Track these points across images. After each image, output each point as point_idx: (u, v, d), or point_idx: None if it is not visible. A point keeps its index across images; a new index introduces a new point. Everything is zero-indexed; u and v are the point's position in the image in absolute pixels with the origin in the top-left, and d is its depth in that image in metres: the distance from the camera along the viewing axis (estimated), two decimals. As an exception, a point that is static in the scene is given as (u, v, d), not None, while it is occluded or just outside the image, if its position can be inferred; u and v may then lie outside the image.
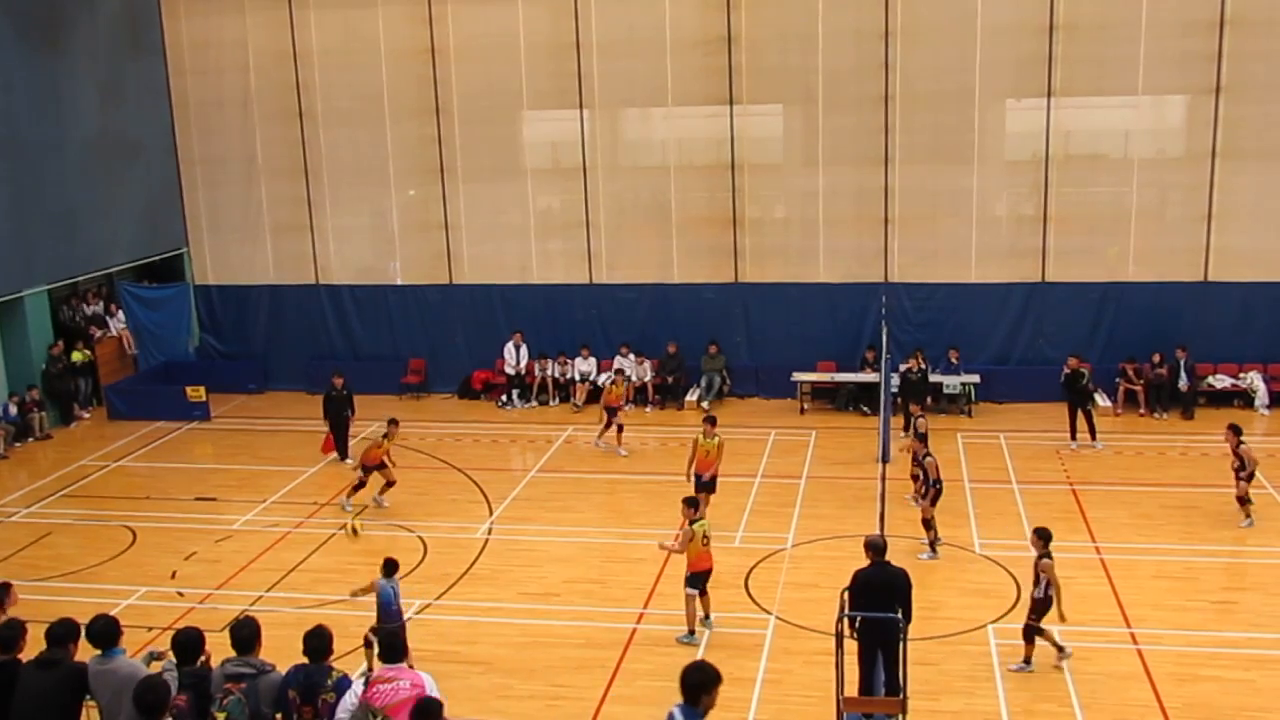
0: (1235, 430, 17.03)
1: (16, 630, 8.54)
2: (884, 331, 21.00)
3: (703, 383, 24.04)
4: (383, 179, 25.47)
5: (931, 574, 15.23)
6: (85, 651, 8.42)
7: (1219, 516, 17.07)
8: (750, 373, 24.48)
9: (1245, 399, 22.46)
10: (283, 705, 8.05)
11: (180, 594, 15.43)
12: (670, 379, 24.17)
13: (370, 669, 10.64)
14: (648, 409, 23.84)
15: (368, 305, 25.94)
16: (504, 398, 24.63)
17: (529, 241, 25.18)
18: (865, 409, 22.91)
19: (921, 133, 23.13)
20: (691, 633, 13.60)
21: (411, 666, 8.59)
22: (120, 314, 26.01)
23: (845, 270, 24.00)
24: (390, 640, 8.53)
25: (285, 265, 26.15)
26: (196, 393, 24.14)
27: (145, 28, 25.78)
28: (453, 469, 20.41)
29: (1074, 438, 20.46)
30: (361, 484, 18.31)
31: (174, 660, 8.22)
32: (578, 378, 24.42)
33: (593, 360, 24.54)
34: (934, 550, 15.89)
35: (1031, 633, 12.69)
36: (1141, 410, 22.43)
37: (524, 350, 24.68)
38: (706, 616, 13.90)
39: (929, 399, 21.57)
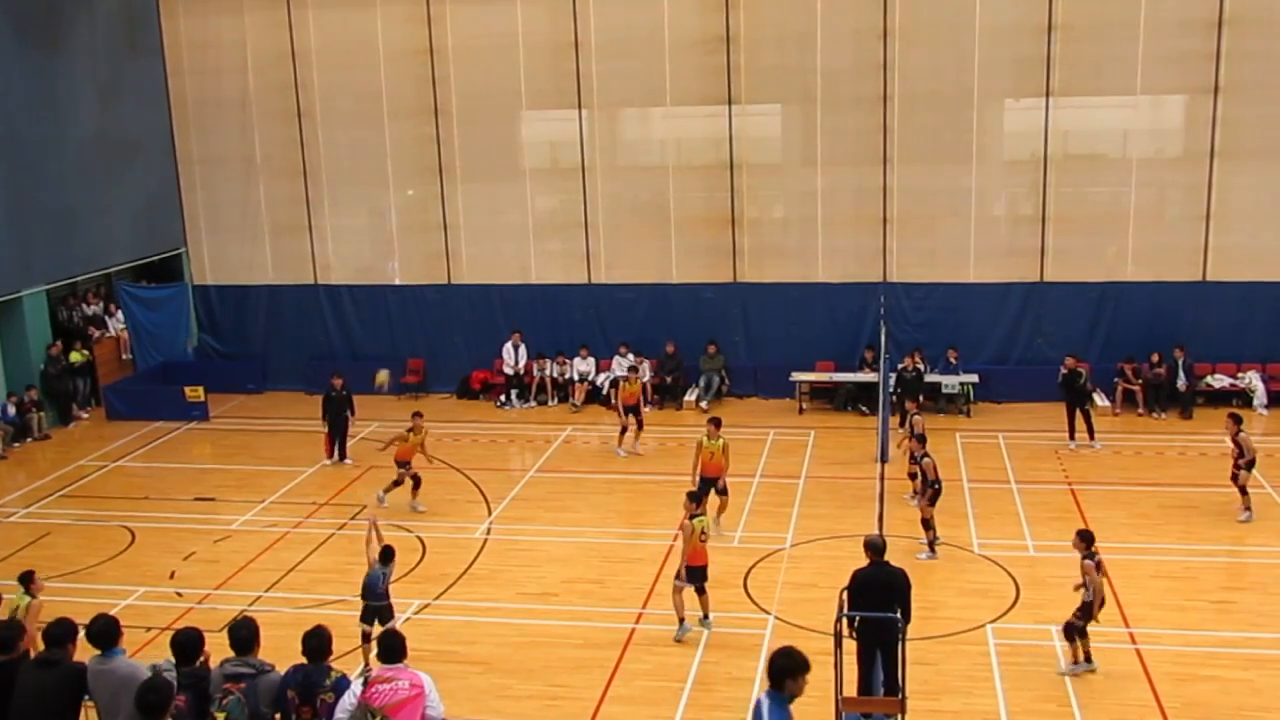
0: (1235, 419, 17.09)
1: (15, 631, 8.54)
2: (883, 331, 21.01)
3: (701, 383, 24.04)
4: (381, 179, 25.48)
5: (930, 574, 15.23)
6: (83, 651, 8.43)
7: (1217, 516, 17.09)
8: (749, 372, 24.49)
9: (1244, 399, 22.46)
10: (282, 705, 8.05)
11: (179, 594, 15.43)
12: (669, 379, 24.17)
13: (368, 666, 10.65)
14: (646, 409, 23.80)
15: (366, 305, 25.93)
16: (502, 398, 24.63)
17: (528, 241, 25.18)
18: (864, 409, 22.92)
19: (920, 133, 23.13)
20: (682, 621, 13.64)
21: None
22: (119, 314, 26.00)
23: (844, 270, 24.00)
24: (389, 640, 8.52)
25: (284, 265, 26.15)
26: (195, 393, 24.14)
27: (143, 27, 25.78)
28: (451, 469, 20.39)
29: (1072, 437, 20.46)
30: (399, 481, 18.22)
31: (173, 660, 8.21)
32: (576, 378, 24.42)
33: (591, 360, 24.55)
34: (933, 550, 15.89)
35: (1072, 631, 12.58)
36: (1140, 410, 22.44)
37: (523, 350, 24.69)
38: (705, 616, 13.91)
39: (921, 397, 21.43)
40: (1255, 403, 22.31)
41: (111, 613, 8.99)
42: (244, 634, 8.14)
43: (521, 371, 24.65)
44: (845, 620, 10.83)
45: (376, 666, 8.45)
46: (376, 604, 12.97)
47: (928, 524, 15.95)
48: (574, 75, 23.99)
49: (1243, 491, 16.89)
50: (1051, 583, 14.98)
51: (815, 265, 24.10)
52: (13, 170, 22.70)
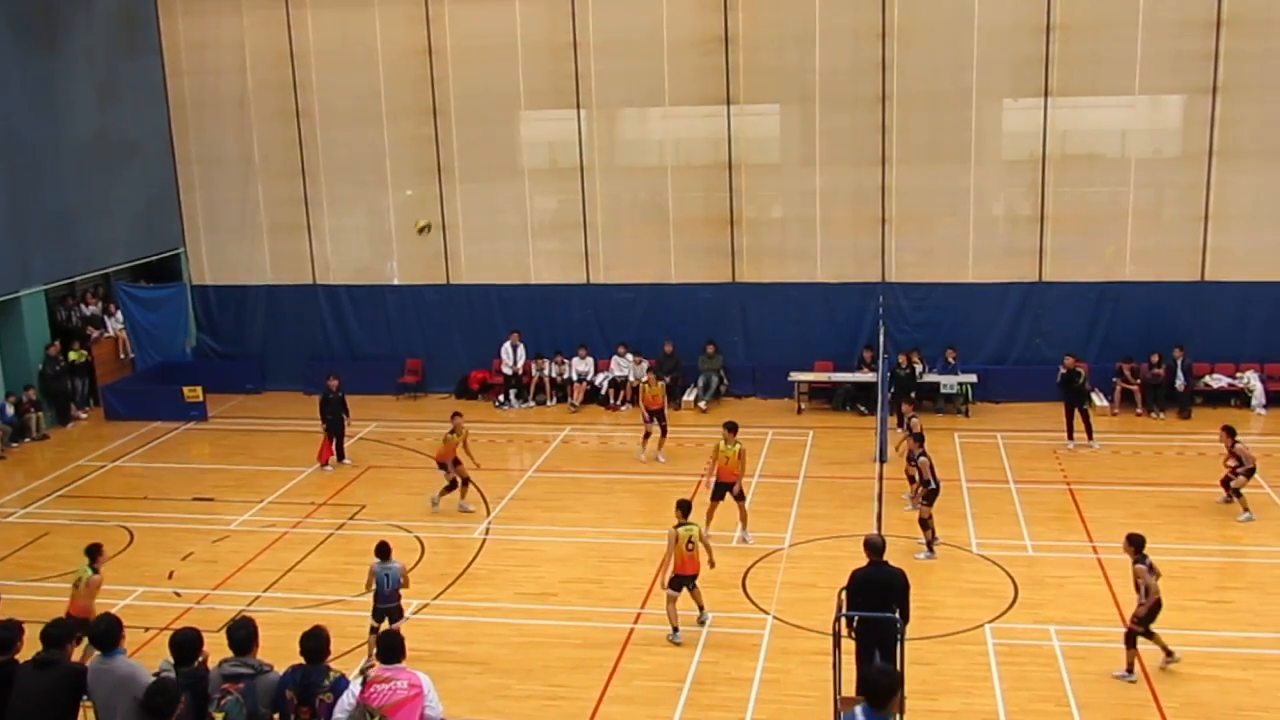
0: (1230, 432, 17.15)
1: (13, 631, 8.52)
2: (881, 331, 21.01)
3: (700, 383, 24.04)
4: (380, 179, 25.47)
5: (929, 574, 15.24)
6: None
7: (1215, 516, 17.11)
8: (747, 372, 24.49)
9: (1242, 398, 22.48)
10: (280, 705, 8.05)
11: (177, 594, 15.43)
12: (667, 379, 24.12)
13: (371, 661, 10.65)
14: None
15: (365, 305, 25.93)
16: (501, 398, 24.62)
17: (526, 241, 25.17)
18: (862, 409, 22.92)
19: (918, 132, 23.15)
20: (675, 630, 13.65)
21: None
22: (118, 314, 25.99)
23: (842, 270, 24.00)
24: (388, 640, 8.52)
25: (282, 265, 26.15)
26: (194, 393, 24.13)
27: (142, 28, 25.77)
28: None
29: (1071, 437, 20.46)
30: (452, 485, 18.07)
31: (172, 660, 8.21)
32: (575, 378, 24.42)
33: (590, 360, 24.55)
34: (931, 550, 15.89)
35: (1134, 637, 12.55)
36: (1138, 410, 22.44)
37: (521, 350, 24.68)
38: (701, 609, 13.97)
39: (913, 394, 21.48)
40: (1254, 402, 22.31)
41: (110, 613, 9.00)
42: (242, 634, 8.14)
43: (520, 371, 24.64)
44: (844, 620, 10.82)
45: (376, 666, 8.44)
46: (384, 605, 12.96)
47: (925, 524, 15.95)
48: (573, 75, 23.99)
49: (1237, 494, 16.96)
50: (1050, 582, 15.02)
51: (814, 265, 24.11)
52: (11, 171, 22.69)
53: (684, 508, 13.84)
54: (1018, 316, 23.59)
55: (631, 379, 24.06)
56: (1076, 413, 20.46)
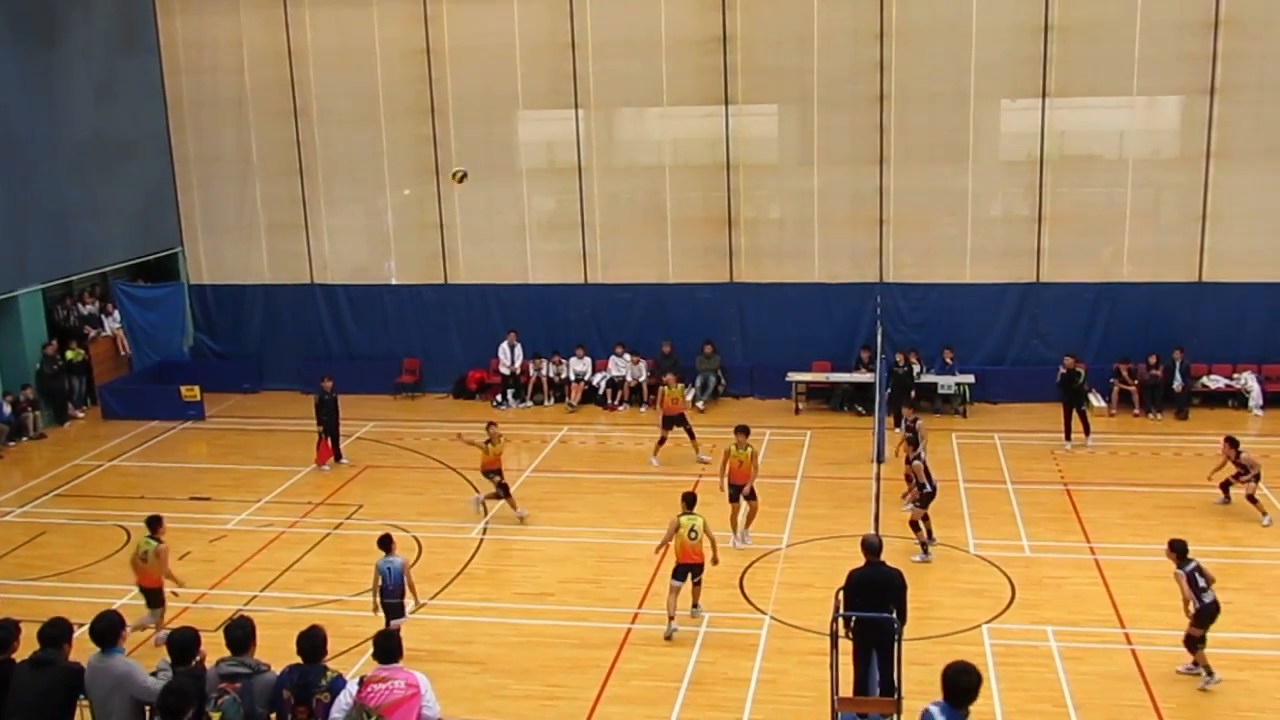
0: (1232, 443, 17.14)
1: (10, 631, 8.51)
2: (879, 331, 21.00)
3: (698, 383, 24.03)
4: (378, 178, 25.46)
5: (926, 574, 15.24)
6: (81, 650, 8.41)
7: (1213, 517, 17.12)
8: (745, 372, 24.48)
9: (1239, 399, 22.49)
10: (277, 705, 8.04)
11: (175, 594, 15.39)
12: (665, 379, 24.10)
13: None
14: (642, 409, 23.83)
15: (363, 305, 25.91)
16: (499, 397, 24.61)
17: (524, 241, 25.16)
18: (860, 409, 22.93)
19: (917, 133, 23.14)
20: (671, 619, 13.70)
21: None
22: (115, 313, 25.96)
23: (840, 270, 24.00)
24: (385, 641, 8.50)
25: (280, 265, 26.12)
26: (191, 392, 24.10)
27: (140, 26, 25.73)
28: (447, 469, 20.40)
29: (1068, 438, 20.47)
30: (499, 493, 17.75)
31: (169, 660, 8.20)
32: (573, 378, 24.42)
33: (588, 360, 24.54)
34: (926, 552, 15.87)
35: (1194, 643, 12.48)
36: (1136, 410, 22.44)
37: (519, 350, 24.67)
38: (695, 605, 14.01)
39: (911, 394, 21.48)
40: (1251, 403, 22.32)
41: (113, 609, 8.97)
42: (240, 634, 8.14)
43: (518, 371, 24.63)
44: (841, 620, 10.83)
45: (373, 666, 8.43)
46: (387, 601, 13.00)
47: (916, 526, 15.91)
48: (571, 75, 23.97)
49: (1252, 500, 16.93)
50: (1047, 583, 15.02)
51: (812, 265, 24.11)
52: (9, 169, 22.64)
53: (689, 500, 13.88)
54: (1015, 317, 23.59)
55: (629, 379, 24.05)
56: (1074, 413, 20.46)
